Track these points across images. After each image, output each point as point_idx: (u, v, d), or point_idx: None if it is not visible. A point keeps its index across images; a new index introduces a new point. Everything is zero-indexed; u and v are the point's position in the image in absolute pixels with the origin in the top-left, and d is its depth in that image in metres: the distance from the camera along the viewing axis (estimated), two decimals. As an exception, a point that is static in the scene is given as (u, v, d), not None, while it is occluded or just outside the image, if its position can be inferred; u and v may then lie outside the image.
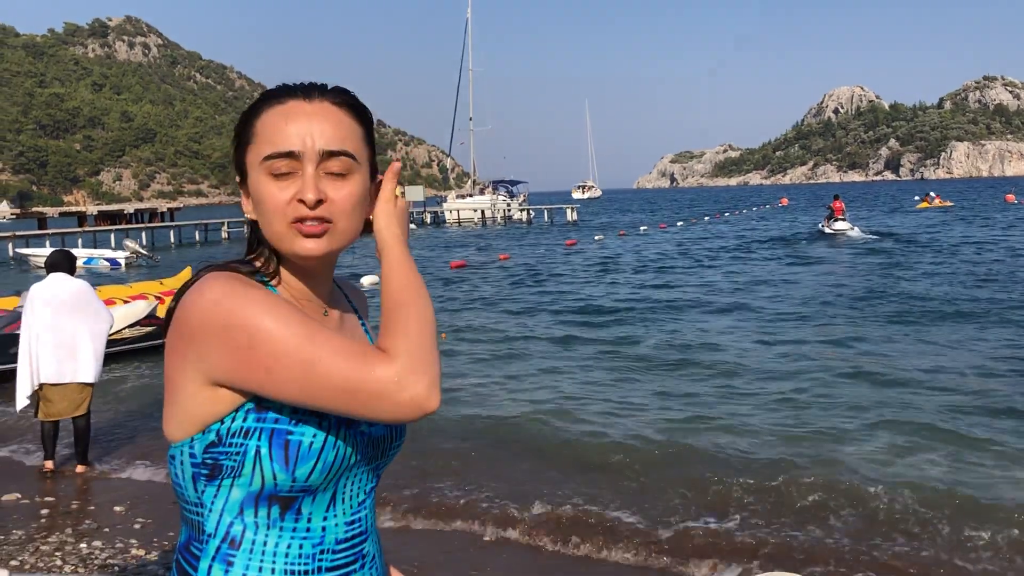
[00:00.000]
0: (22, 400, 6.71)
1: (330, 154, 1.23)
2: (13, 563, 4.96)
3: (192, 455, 1.23)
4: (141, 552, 5.21)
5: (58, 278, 6.76)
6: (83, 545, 5.32)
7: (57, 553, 5.20)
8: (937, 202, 62.17)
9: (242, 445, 1.20)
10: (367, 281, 22.70)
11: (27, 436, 7.09)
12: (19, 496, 6.36)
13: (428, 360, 1.17)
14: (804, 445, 7.21)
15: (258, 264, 1.32)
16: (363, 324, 1.49)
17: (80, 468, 6.98)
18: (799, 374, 10.03)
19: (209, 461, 1.22)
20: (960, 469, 6.56)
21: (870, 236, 34.11)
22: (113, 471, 7.07)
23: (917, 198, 66.55)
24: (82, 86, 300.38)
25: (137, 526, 5.69)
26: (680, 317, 14.96)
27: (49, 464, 6.93)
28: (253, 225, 1.32)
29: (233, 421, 1.20)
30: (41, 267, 7.10)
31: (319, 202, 1.22)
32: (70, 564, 5.02)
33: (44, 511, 6.03)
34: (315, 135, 1.23)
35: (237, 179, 1.31)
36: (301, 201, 1.22)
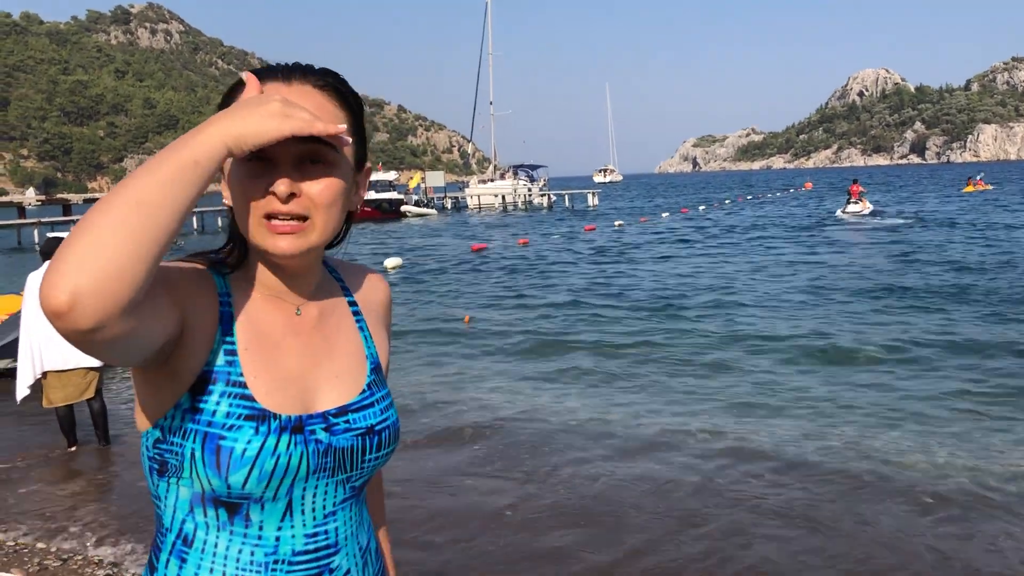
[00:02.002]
0: (22, 390, 6.69)
1: (307, 140, 1.13)
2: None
3: (147, 447, 1.20)
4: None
5: None
6: (110, 529, 5.36)
7: (88, 533, 5.25)
8: (980, 186, 61.64)
9: (180, 445, 1.15)
10: (389, 264, 22.81)
11: (52, 419, 7.16)
12: (45, 477, 6.43)
13: (65, 261, 0.91)
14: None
15: (223, 254, 1.27)
16: (359, 320, 1.36)
17: (102, 449, 7.05)
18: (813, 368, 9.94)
19: (158, 457, 1.18)
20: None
21: (891, 221, 34.65)
22: (135, 452, 7.11)
23: (980, 176, 65.42)
24: (105, 73, 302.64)
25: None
26: (696, 309, 14.85)
27: (72, 450, 7.01)
28: (231, 212, 1.23)
29: (173, 419, 1.16)
30: None
31: (291, 195, 1.14)
32: (97, 544, 5.05)
33: (71, 491, 6.09)
34: None
35: None
36: (273, 194, 1.14)
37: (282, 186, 1.13)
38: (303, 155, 1.15)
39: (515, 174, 70.23)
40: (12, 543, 5.12)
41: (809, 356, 10.11)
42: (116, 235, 0.92)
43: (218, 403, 1.15)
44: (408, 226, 45.17)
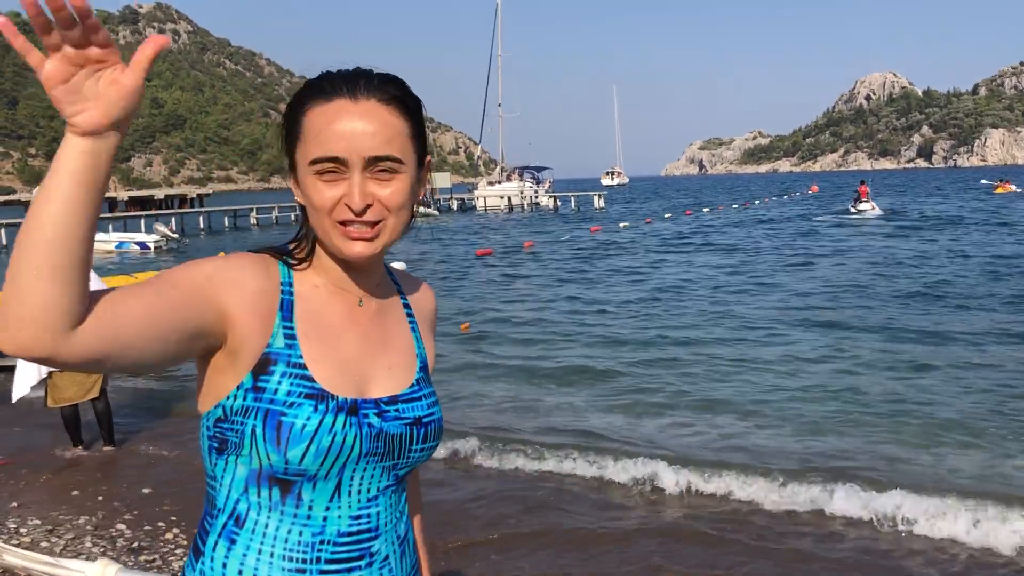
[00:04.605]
0: (20, 389, 6.65)
1: (376, 159, 1.21)
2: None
3: (208, 427, 1.27)
4: (169, 536, 5.23)
5: None
6: (113, 530, 5.35)
7: (92, 531, 5.24)
8: (1008, 188, 64.20)
9: (242, 423, 1.21)
10: (396, 267, 22.76)
11: (55, 420, 7.16)
12: (49, 477, 6.43)
13: (4, 317, 0.97)
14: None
15: (292, 247, 1.34)
16: (412, 322, 1.44)
17: (107, 450, 7.05)
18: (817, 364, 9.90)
19: (218, 435, 1.24)
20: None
21: (905, 221, 37.09)
22: (140, 453, 7.13)
23: (990, 182, 68.49)
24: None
25: (165, 508, 5.72)
26: (700, 310, 14.81)
27: (77, 450, 7.00)
28: (303, 210, 1.31)
29: (236, 399, 1.22)
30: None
31: (367, 207, 1.22)
32: (99, 547, 5.05)
33: (74, 493, 6.09)
34: (360, 141, 1.20)
35: (287, 165, 1.29)
36: (348, 206, 1.21)
37: (357, 200, 1.21)
38: (373, 167, 1.22)
39: (520, 176, 70.26)
40: (16, 543, 5.11)
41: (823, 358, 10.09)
42: (25, 275, 0.97)
43: (279, 382, 1.21)
44: (414, 226, 45.07)
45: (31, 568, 3.05)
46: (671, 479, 6.08)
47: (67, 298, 0.99)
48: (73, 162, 0.99)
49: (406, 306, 1.45)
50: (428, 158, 1.35)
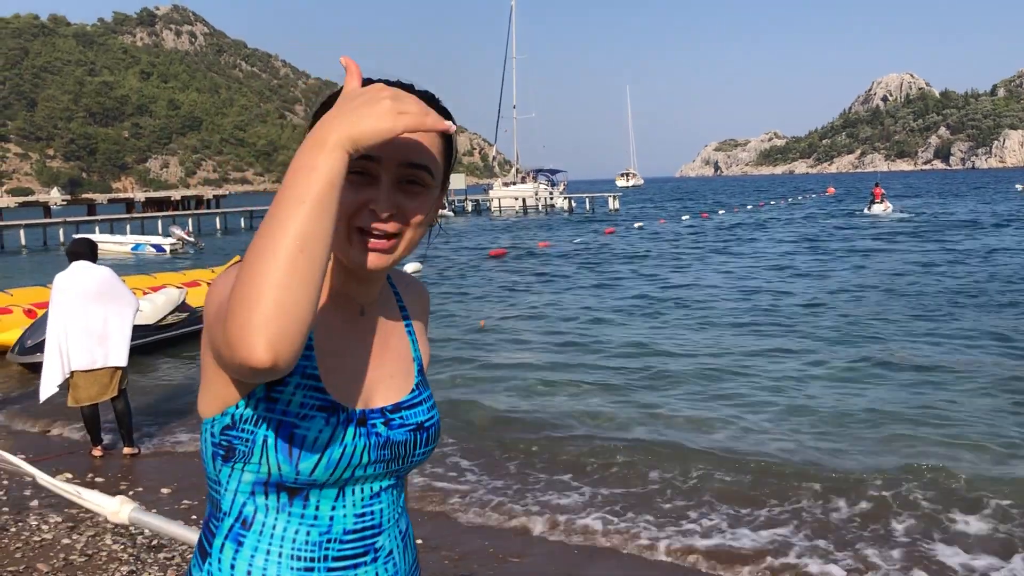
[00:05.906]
0: (48, 389, 6.72)
1: (410, 165, 1.20)
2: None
3: (212, 434, 1.25)
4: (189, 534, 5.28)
5: (81, 266, 6.77)
6: (132, 528, 5.40)
7: (111, 528, 5.30)
8: None
9: (252, 432, 1.20)
10: (409, 269, 22.83)
11: (78, 421, 7.24)
12: (70, 476, 6.50)
13: (255, 319, 0.97)
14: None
15: None
16: (408, 326, 1.44)
17: (127, 450, 7.11)
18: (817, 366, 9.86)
19: (224, 443, 1.23)
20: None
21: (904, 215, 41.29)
22: (160, 453, 7.20)
23: (1020, 187, 68.33)
24: (130, 74, 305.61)
25: (184, 507, 5.78)
26: (704, 309, 14.77)
27: (97, 451, 7.07)
28: None
29: (246, 407, 1.20)
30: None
31: (390, 215, 1.19)
32: (120, 544, 5.11)
33: (95, 488, 6.14)
34: (399, 143, 1.17)
35: None
36: (372, 211, 1.19)
37: (384, 205, 1.18)
38: (403, 177, 1.20)
39: (535, 178, 70.35)
40: (38, 539, 5.18)
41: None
42: (292, 284, 0.98)
43: (293, 394, 1.20)
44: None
45: (59, 492, 3.54)
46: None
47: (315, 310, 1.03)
48: (344, 176, 1.04)
49: (402, 308, 1.44)
50: (448, 185, 1.34)
